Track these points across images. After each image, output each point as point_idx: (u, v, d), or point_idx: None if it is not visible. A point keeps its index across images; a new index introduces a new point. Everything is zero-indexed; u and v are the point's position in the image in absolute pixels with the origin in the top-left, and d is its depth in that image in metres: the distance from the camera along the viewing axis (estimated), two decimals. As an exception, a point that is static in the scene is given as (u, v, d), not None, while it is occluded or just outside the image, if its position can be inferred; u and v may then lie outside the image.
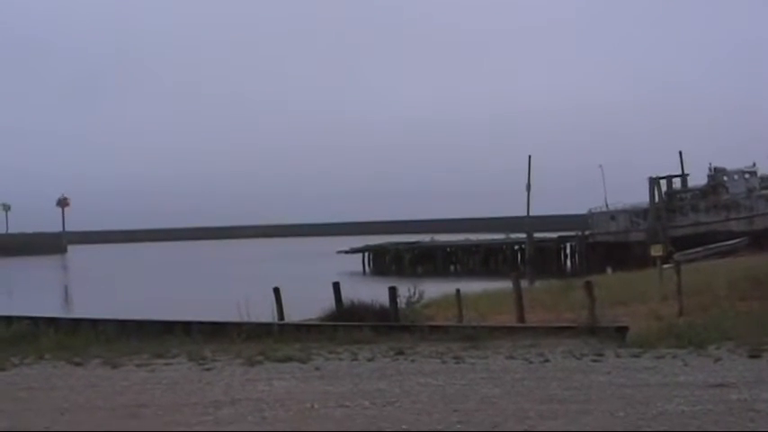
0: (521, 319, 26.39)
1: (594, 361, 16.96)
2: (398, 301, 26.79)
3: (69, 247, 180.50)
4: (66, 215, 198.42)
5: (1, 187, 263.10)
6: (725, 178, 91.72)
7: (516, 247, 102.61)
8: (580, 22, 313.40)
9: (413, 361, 17.44)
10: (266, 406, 12.90)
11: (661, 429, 11.07)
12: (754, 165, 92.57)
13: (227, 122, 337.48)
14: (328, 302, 27.79)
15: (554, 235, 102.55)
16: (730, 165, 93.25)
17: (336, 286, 27.62)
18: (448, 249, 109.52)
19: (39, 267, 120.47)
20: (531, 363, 16.92)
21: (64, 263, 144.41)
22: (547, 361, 17.09)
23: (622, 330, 20.98)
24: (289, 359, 17.65)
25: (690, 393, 13.14)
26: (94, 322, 23.36)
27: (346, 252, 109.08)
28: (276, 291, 29.27)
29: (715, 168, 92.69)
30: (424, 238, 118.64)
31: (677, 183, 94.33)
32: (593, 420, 11.56)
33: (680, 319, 24.81)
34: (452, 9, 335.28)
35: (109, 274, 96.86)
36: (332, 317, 26.46)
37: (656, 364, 16.33)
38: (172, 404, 13.26)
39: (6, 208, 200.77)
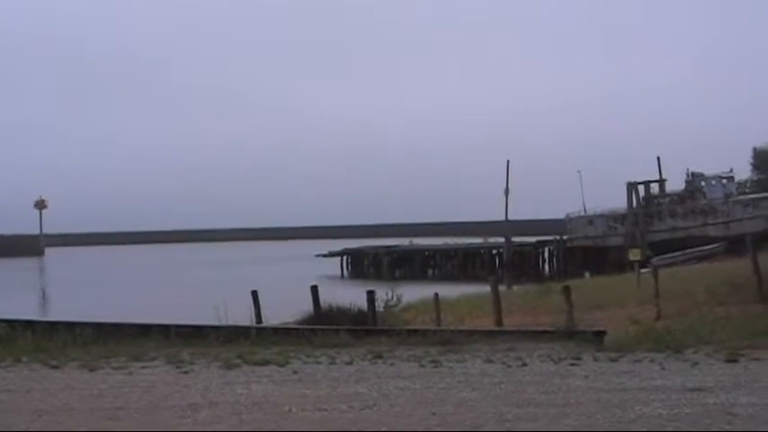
0: (499, 323, 26.50)
1: (572, 365, 17.00)
2: (376, 304, 26.87)
3: (47, 250, 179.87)
4: (43, 217, 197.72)
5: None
6: (702, 183, 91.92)
7: (494, 252, 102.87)
8: (556, 19, 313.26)
9: (391, 365, 17.45)
10: (244, 409, 12.87)
11: (639, 433, 11.12)
12: (732, 170, 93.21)
13: (206, 125, 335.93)
14: (306, 306, 27.83)
15: (532, 239, 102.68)
16: (708, 170, 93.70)
17: (314, 290, 27.68)
18: (426, 253, 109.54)
19: (15, 270, 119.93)
20: (508, 367, 16.94)
21: (41, 265, 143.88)
22: (525, 365, 17.12)
23: (600, 334, 21.09)
24: (266, 362, 17.62)
25: (667, 397, 13.17)
26: (71, 325, 23.22)
27: (324, 255, 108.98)
28: (254, 294, 29.33)
29: (693, 173, 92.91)
30: (403, 241, 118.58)
31: (655, 188, 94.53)
32: (571, 423, 11.58)
33: (657, 324, 24.97)
34: (429, 6, 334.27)
35: (86, 277, 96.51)
36: (310, 320, 26.51)
37: (634, 368, 16.39)
38: (149, 407, 13.23)
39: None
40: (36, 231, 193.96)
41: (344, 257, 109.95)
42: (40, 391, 15.05)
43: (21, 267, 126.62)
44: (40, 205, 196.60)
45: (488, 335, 22.03)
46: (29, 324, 24.09)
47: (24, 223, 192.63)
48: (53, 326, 23.67)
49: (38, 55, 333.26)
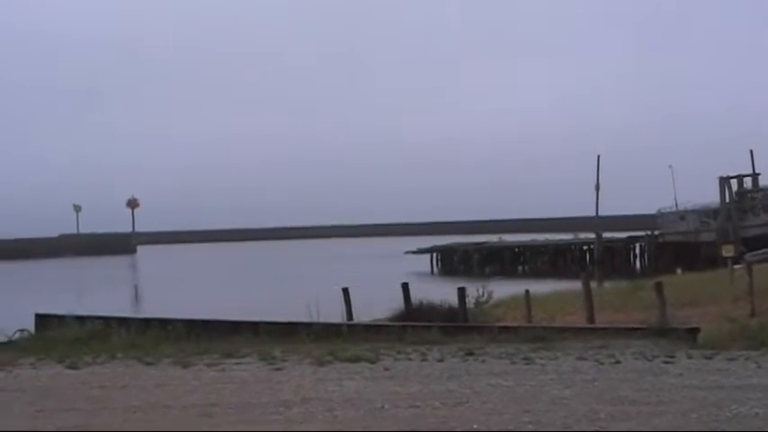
0: (590, 319, 26.28)
1: (666, 362, 16.81)
2: (467, 301, 26.80)
3: (139, 248, 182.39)
4: (135, 216, 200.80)
5: (72, 188, 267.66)
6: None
7: (585, 248, 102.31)
8: (661, 15, 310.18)
9: (482, 362, 17.38)
10: (336, 405, 12.90)
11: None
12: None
13: (294, 120, 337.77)
14: (397, 303, 27.87)
15: (623, 235, 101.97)
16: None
17: (405, 287, 27.71)
18: (516, 250, 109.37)
19: (109, 267, 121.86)
20: (601, 364, 16.79)
21: (133, 263, 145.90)
22: (617, 362, 16.96)
23: (694, 332, 20.80)
24: (358, 359, 17.62)
25: (764, 396, 12.97)
26: (164, 322, 23.49)
27: (414, 252, 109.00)
28: (345, 291, 29.44)
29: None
30: (492, 238, 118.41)
31: (748, 182, 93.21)
32: (666, 422, 11.45)
33: (752, 321, 24.58)
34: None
35: (177, 275, 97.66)
36: (401, 317, 26.53)
37: (729, 366, 16.16)
38: (242, 403, 13.32)
39: (78, 209, 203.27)
40: (129, 230, 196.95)
41: (434, 254, 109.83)
42: (135, 387, 15.22)
43: (114, 265, 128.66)
44: (133, 204, 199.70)
45: (580, 332, 21.89)
46: (123, 321, 24.42)
47: (117, 222, 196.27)
48: (146, 322, 23.94)
49: (115, 55, 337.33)
